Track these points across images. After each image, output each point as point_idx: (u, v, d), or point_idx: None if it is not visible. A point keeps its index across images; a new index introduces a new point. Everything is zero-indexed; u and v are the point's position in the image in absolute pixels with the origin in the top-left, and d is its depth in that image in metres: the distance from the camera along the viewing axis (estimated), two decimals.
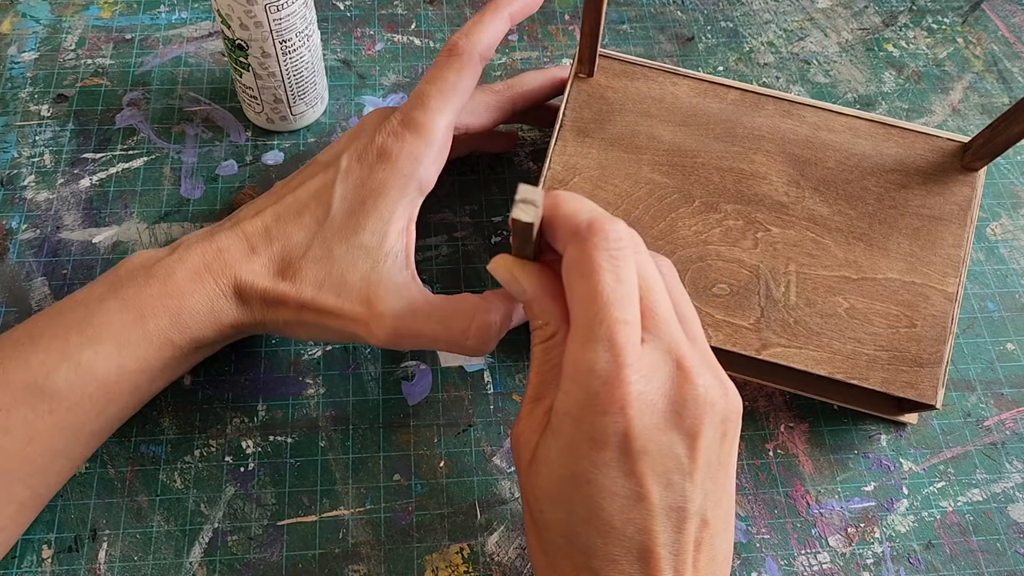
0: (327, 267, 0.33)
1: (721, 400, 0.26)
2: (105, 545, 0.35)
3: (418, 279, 0.35)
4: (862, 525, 0.37)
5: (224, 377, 0.40)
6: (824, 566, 0.36)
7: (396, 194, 0.34)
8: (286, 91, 0.43)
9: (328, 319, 0.33)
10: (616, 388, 0.25)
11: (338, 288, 0.33)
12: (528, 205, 0.26)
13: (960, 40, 0.53)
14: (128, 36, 0.50)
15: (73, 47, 0.50)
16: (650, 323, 0.26)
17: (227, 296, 0.33)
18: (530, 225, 0.26)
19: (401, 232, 0.34)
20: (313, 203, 0.34)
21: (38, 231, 0.43)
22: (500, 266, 0.30)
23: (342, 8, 0.52)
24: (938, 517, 0.38)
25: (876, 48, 0.52)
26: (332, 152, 0.36)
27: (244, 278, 0.33)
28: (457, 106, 0.35)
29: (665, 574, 0.25)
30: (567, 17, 0.53)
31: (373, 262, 0.33)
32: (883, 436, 0.40)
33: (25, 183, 0.44)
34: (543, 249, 0.31)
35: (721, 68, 0.51)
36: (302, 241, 0.34)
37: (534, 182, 0.44)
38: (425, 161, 0.34)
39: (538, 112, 0.44)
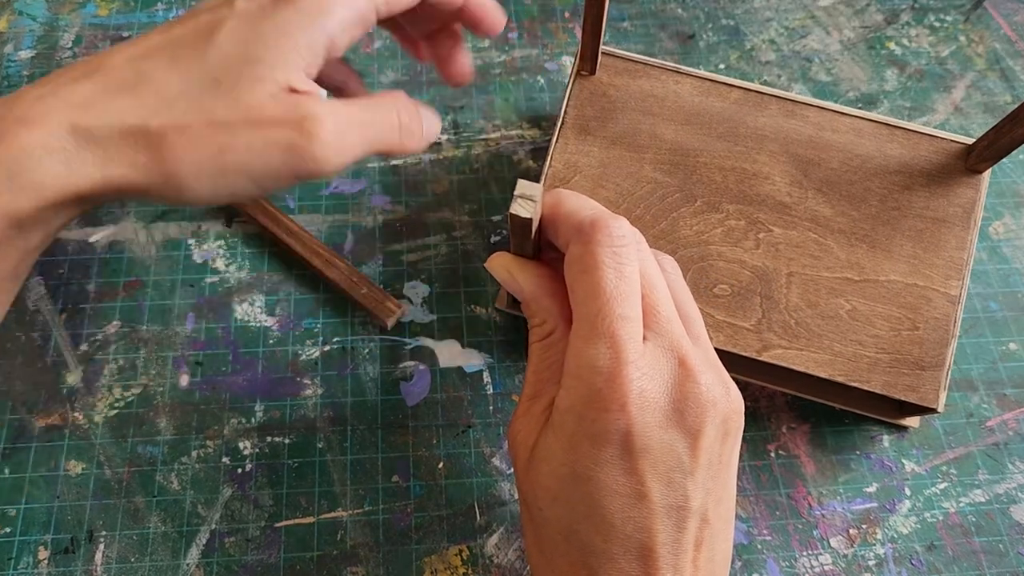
0: (210, 105, 0.26)
1: (723, 399, 0.26)
2: (102, 546, 0.35)
3: None
4: (864, 526, 0.37)
5: (221, 378, 0.39)
6: (826, 567, 0.36)
7: (300, 38, 0.27)
8: None
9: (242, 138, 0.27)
10: (618, 385, 0.24)
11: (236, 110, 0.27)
12: (527, 201, 0.26)
13: (962, 38, 0.52)
14: (125, 34, 0.50)
15: (70, 45, 0.49)
16: (652, 321, 0.26)
17: (60, 146, 0.26)
18: (528, 221, 0.26)
19: (309, 70, 0.28)
20: (198, 40, 0.27)
21: None
22: (497, 264, 0.30)
23: None
24: (940, 518, 0.38)
25: (878, 46, 0.52)
26: None
27: (93, 119, 0.26)
28: None
29: (664, 573, 0.25)
30: (567, 15, 0.52)
31: (273, 95, 0.27)
32: (885, 437, 0.40)
33: None
34: (542, 247, 0.31)
35: (722, 66, 0.51)
36: (178, 81, 0.27)
37: (534, 180, 0.44)
38: (336, 10, 0.28)
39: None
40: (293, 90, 0.27)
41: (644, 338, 0.26)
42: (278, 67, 0.27)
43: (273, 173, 0.27)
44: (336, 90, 0.35)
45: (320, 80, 0.30)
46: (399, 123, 0.30)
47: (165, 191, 0.27)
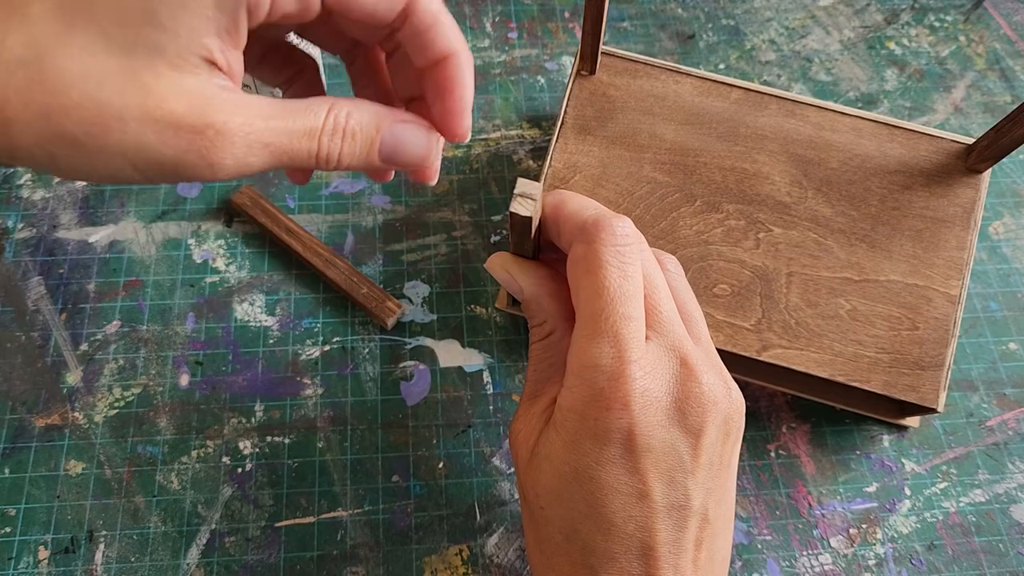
0: (85, 63, 0.21)
1: (725, 399, 0.26)
2: (102, 546, 0.35)
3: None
4: (864, 526, 0.37)
5: (221, 378, 0.39)
6: (826, 567, 0.36)
7: None
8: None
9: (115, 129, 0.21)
10: (620, 384, 0.24)
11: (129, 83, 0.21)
12: (526, 199, 0.26)
13: (962, 38, 0.52)
14: None
15: None
16: (654, 321, 0.26)
17: None
18: (528, 220, 0.26)
19: (222, 36, 0.22)
20: None
21: (34, 230, 0.42)
22: (497, 264, 0.30)
23: None
24: (940, 518, 0.38)
25: (878, 46, 0.52)
26: None
27: None
28: None
29: (665, 572, 0.25)
30: (567, 15, 0.52)
31: (181, 68, 0.22)
32: (885, 437, 0.40)
33: (21, 182, 0.44)
34: (542, 247, 0.31)
35: (722, 66, 0.50)
36: (44, 22, 0.21)
37: (534, 180, 0.44)
38: None
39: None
40: (211, 61, 0.22)
41: (646, 337, 0.26)
42: (182, 32, 0.21)
43: (156, 173, 0.22)
44: (285, 85, 0.29)
45: (263, 70, 0.27)
46: (317, 139, 0.23)
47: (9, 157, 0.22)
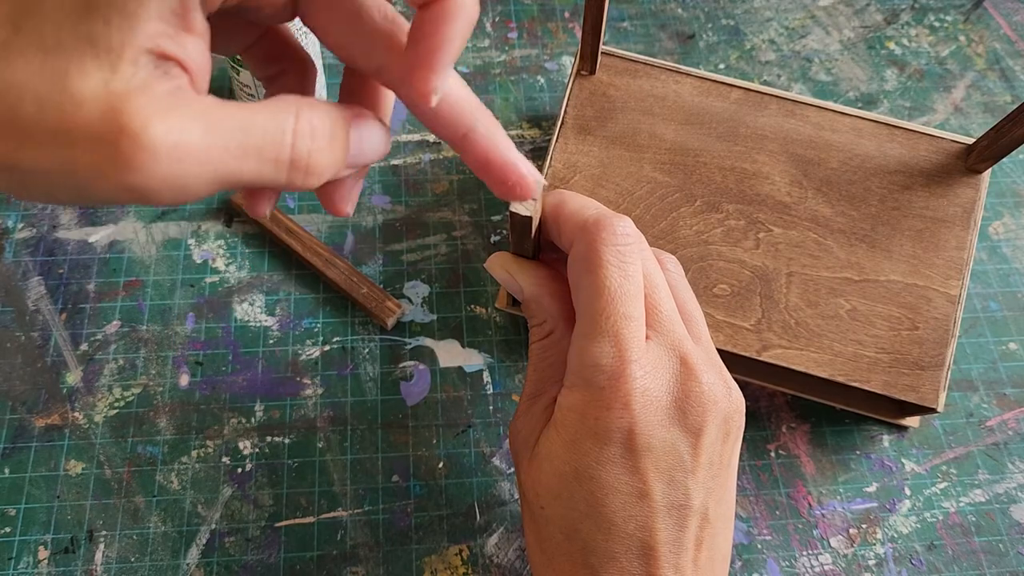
0: (35, 59, 0.17)
1: (725, 398, 0.26)
2: (102, 546, 0.35)
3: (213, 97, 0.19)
4: (864, 526, 0.37)
5: (221, 377, 0.39)
6: (826, 567, 0.36)
7: None
8: None
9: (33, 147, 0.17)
10: (621, 384, 0.25)
11: (55, 94, 0.17)
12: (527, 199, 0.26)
13: (962, 38, 0.52)
14: None
15: None
16: (654, 320, 0.26)
17: None
18: (528, 219, 0.26)
19: (168, 19, 0.18)
20: None
21: (34, 230, 0.42)
22: (497, 264, 0.29)
23: None
24: (940, 518, 0.38)
25: (878, 46, 0.52)
26: None
27: None
28: None
29: (666, 571, 0.25)
30: (567, 14, 0.52)
31: (113, 63, 0.17)
32: (885, 437, 0.40)
33: None
34: (542, 247, 0.31)
35: (722, 66, 0.50)
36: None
37: None
38: None
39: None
40: (158, 53, 0.18)
41: (646, 337, 0.26)
42: (114, 18, 0.17)
43: (77, 197, 0.18)
44: (268, 82, 0.25)
45: (248, 63, 0.24)
46: (289, 145, 0.19)
47: None
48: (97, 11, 0.17)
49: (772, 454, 0.39)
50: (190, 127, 0.17)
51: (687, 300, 0.29)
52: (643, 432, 0.25)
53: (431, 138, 0.47)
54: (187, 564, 0.35)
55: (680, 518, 0.25)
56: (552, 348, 0.28)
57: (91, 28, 0.17)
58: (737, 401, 0.27)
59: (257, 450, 0.38)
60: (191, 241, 0.43)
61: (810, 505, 0.38)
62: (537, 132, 0.48)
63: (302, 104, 0.19)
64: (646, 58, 0.40)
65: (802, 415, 0.40)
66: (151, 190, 0.17)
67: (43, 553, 0.35)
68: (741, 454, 0.38)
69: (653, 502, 0.25)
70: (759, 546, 0.37)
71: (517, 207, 0.25)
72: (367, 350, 0.40)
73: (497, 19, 0.52)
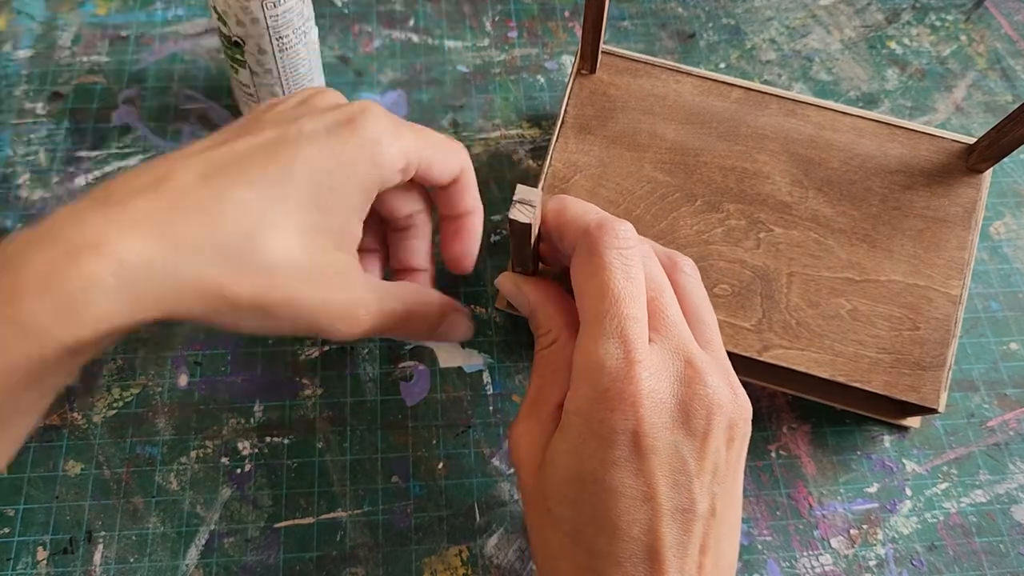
0: (286, 244, 0.26)
1: (730, 403, 0.26)
2: (101, 547, 0.35)
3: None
4: (865, 527, 0.37)
5: (220, 377, 0.39)
6: (826, 568, 0.36)
7: (364, 171, 0.28)
8: (283, 88, 0.43)
9: (283, 310, 0.27)
10: (627, 384, 0.25)
11: (304, 272, 0.27)
12: (525, 206, 0.26)
13: (963, 37, 0.52)
14: (124, 33, 0.50)
15: (68, 44, 0.49)
16: (659, 323, 0.27)
17: (131, 278, 0.23)
18: (528, 226, 0.26)
19: (361, 219, 0.29)
20: (268, 163, 0.26)
21: None
22: (507, 279, 0.31)
23: (339, 5, 0.52)
24: (941, 518, 0.38)
25: (879, 45, 0.52)
26: (278, 112, 0.29)
27: (166, 252, 0.23)
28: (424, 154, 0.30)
29: None
30: (567, 14, 0.52)
31: (337, 245, 0.28)
32: (886, 437, 0.39)
33: (20, 182, 0.44)
34: (541, 256, 0.31)
35: (723, 65, 0.50)
36: (250, 207, 0.25)
37: (533, 182, 0.44)
38: (389, 148, 0.28)
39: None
40: (355, 239, 0.29)
41: (650, 339, 0.26)
42: (339, 213, 0.28)
43: (308, 329, 0.28)
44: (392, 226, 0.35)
45: (387, 214, 0.33)
46: (436, 319, 0.33)
47: (220, 323, 0.26)
48: (332, 211, 0.28)
49: (773, 454, 0.39)
50: (384, 311, 0.30)
51: (699, 305, 0.29)
52: (649, 434, 0.25)
53: None
54: (186, 565, 0.35)
55: (685, 522, 0.25)
56: (556, 355, 0.28)
57: (326, 220, 0.28)
58: (743, 406, 0.27)
59: (256, 450, 0.38)
60: None
61: (811, 506, 0.38)
62: (537, 131, 0.47)
63: (441, 305, 0.34)
64: (646, 57, 0.40)
65: (803, 415, 0.40)
66: (362, 333, 0.29)
67: (42, 554, 0.35)
68: None
69: (658, 505, 0.25)
70: (759, 547, 0.37)
71: (516, 214, 0.25)
72: (367, 350, 0.40)
73: (497, 18, 0.52)
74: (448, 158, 0.31)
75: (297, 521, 0.36)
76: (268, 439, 0.38)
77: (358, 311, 0.29)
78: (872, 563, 0.36)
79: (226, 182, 0.25)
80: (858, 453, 0.39)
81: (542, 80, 0.49)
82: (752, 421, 0.39)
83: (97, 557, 0.35)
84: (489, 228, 0.44)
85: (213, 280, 0.24)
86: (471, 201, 0.34)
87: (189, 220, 0.24)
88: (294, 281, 0.26)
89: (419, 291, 0.33)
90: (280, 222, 0.26)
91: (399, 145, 0.28)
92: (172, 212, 0.24)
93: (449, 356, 0.41)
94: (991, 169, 0.38)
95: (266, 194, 0.25)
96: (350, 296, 0.28)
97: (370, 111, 0.28)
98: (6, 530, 0.35)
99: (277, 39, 0.40)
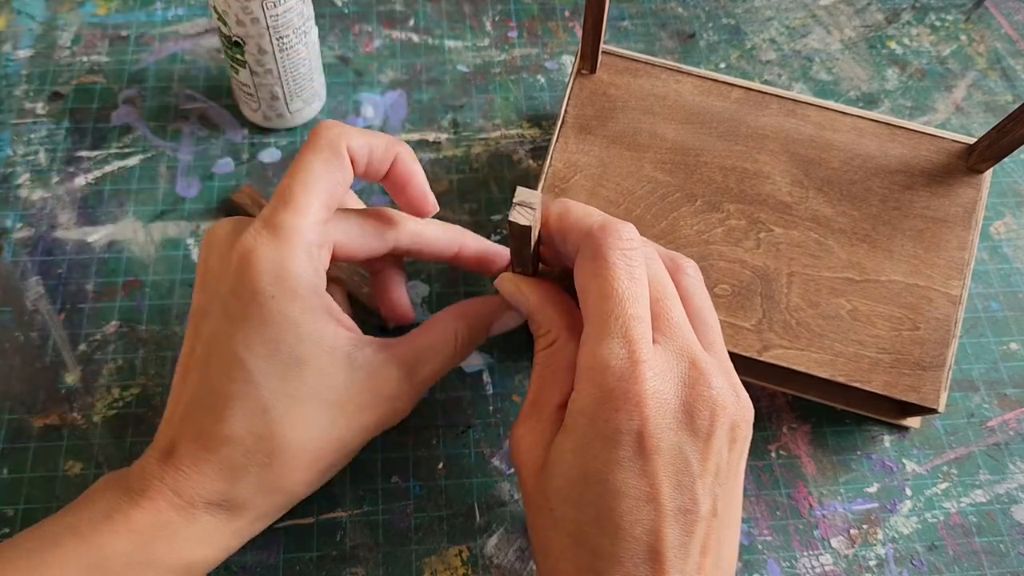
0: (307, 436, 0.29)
1: (733, 404, 0.26)
2: None
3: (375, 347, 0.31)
4: (865, 527, 0.37)
5: None
6: (827, 568, 0.36)
7: (290, 297, 0.29)
8: (283, 88, 0.43)
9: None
10: (632, 384, 0.25)
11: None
12: (525, 208, 0.25)
13: (963, 37, 0.52)
14: (124, 33, 0.50)
15: (68, 44, 0.49)
16: (663, 325, 0.27)
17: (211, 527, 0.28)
18: (528, 229, 0.26)
19: (326, 307, 0.30)
20: (224, 378, 0.28)
21: (33, 230, 0.42)
22: (507, 280, 0.31)
23: (340, 4, 0.52)
24: (941, 518, 0.38)
25: (879, 45, 0.52)
26: (199, 298, 0.31)
27: (241, 492, 0.28)
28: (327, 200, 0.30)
29: None
30: (567, 13, 0.52)
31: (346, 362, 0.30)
32: (886, 437, 0.39)
33: (20, 181, 0.44)
34: (541, 259, 0.31)
35: (723, 65, 0.50)
36: (241, 427, 0.28)
37: (533, 182, 0.44)
38: (298, 273, 0.29)
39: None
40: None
41: (654, 340, 0.26)
42: (313, 345, 0.29)
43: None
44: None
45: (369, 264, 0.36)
46: (455, 345, 0.33)
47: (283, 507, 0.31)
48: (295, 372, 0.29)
49: (773, 454, 0.39)
50: (418, 384, 0.33)
51: (702, 307, 0.29)
52: (653, 434, 0.25)
53: (431, 137, 0.47)
54: None
55: (687, 523, 0.25)
56: (556, 356, 0.28)
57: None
58: (745, 410, 0.27)
59: None
60: (190, 241, 0.43)
61: (811, 505, 0.38)
62: (537, 131, 0.47)
63: (448, 321, 0.33)
64: (647, 57, 0.40)
65: (803, 415, 0.40)
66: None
67: None
68: None
69: (661, 506, 0.25)
70: (759, 547, 0.37)
71: (516, 216, 0.25)
72: None
73: (497, 18, 0.52)
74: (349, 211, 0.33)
75: (297, 521, 0.36)
76: None
77: (395, 415, 0.32)
78: (872, 563, 0.36)
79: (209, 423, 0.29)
80: (858, 453, 0.39)
81: (542, 80, 0.49)
82: (752, 422, 0.39)
83: None
84: (489, 228, 0.44)
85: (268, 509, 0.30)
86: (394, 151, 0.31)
87: (257, 467, 0.29)
88: (330, 455, 0.30)
89: (440, 325, 0.33)
90: (292, 416, 0.29)
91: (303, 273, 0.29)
92: (242, 453, 0.28)
93: None
94: (991, 169, 0.38)
95: (281, 390, 0.28)
96: (377, 411, 0.31)
97: (246, 243, 0.29)
98: (6, 530, 0.35)
99: (277, 39, 0.40)
